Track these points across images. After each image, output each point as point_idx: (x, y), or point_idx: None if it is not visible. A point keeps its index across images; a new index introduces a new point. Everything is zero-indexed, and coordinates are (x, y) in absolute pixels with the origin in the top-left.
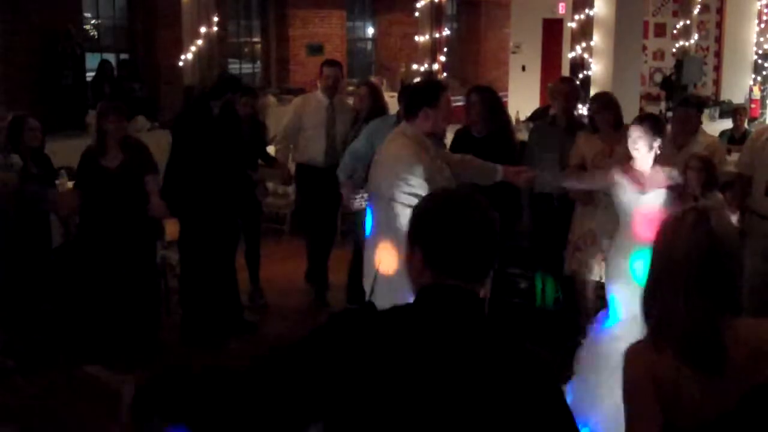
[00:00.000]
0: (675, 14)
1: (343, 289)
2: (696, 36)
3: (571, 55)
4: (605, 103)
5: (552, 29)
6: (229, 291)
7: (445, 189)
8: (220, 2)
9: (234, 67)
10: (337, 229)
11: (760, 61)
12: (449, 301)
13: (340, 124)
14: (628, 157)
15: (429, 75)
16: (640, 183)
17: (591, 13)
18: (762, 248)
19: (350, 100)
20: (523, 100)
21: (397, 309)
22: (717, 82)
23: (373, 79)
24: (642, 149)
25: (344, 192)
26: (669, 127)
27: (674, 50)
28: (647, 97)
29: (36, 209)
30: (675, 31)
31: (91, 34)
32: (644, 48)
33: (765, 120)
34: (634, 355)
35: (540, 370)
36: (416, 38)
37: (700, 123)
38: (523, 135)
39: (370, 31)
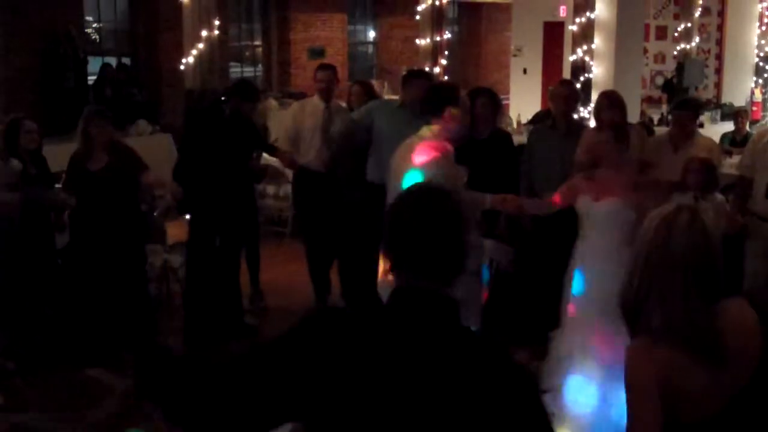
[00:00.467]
0: (676, 17)
1: None
2: (697, 39)
3: (572, 58)
4: (613, 101)
5: (553, 32)
6: (232, 294)
7: (410, 188)
8: (221, 6)
9: (235, 70)
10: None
11: (761, 64)
12: (416, 304)
13: (337, 126)
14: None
15: (430, 78)
16: (594, 191)
17: (592, 16)
18: (763, 250)
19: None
20: (524, 103)
21: (367, 311)
22: (718, 85)
23: (375, 82)
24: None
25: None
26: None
27: (675, 53)
28: (648, 100)
29: (40, 212)
30: (676, 34)
31: (93, 37)
32: (645, 51)
33: (766, 122)
34: (635, 353)
35: (513, 372)
36: (417, 41)
37: (697, 125)
38: (523, 138)
39: (372, 34)
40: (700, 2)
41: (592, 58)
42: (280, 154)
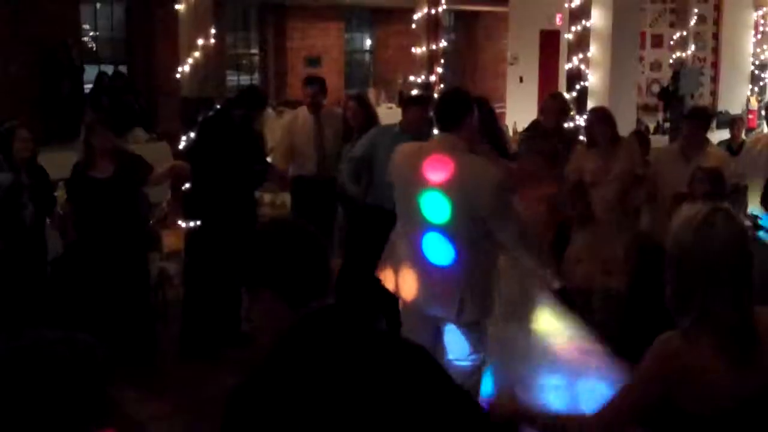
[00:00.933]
0: (672, 25)
1: None
2: (693, 47)
3: (568, 66)
4: (602, 118)
5: (549, 41)
6: (231, 302)
7: (265, 225)
8: (217, 14)
9: (232, 79)
10: (333, 239)
11: (757, 72)
12: (329, 324)
13: (328, 134)
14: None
15: (426, 87)
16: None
17: (588, 24)
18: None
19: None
20: (520, 111)
21: (279, 356)
22: (714, 93)
23: (371, 91)
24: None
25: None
26: (667, 137)
27: (671, 61)
28: (645, 108)
29: (32, 225)
30: (672, 42)
31: (89, 45)
32: (641, 59)
33: (762, 130)
34: (663, 344)
35: (416, 354)
36: (413, 50)
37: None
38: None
39: (368, 43)
40: (696, 11)
41: (587, 67)
42: (273, 174)
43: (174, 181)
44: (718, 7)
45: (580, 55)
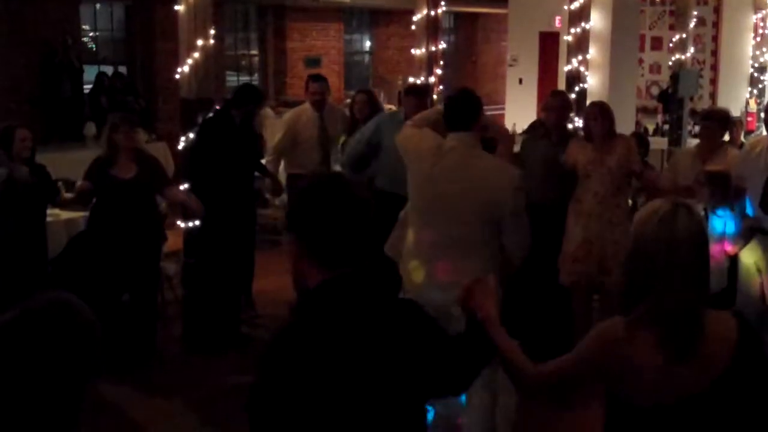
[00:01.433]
0: (671, 27)
1: None
2: (692, 49)
3: (567, 68)
4: (600, 111)
5: (549, 42)
6: (231, 303)
7: (320, 178)
8: (217, 15)
9: (232, 79)
10: None
11: (756, 74)
12: (352, 288)
13: (332, 133)
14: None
15: (426, 87)
16: None
17: (587, 26)
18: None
19: (346, 110)
20: (520, 113)
21: (311, 312)
22: (713, 95)
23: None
24: None
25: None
26: (666, 139)
27: (670, 63)
28: (644, 110)
29: (33, 219)
30: (671, 45)
31: (89, 46)
32: (641, 61)
33: (761, 132)
34: (604, 331)
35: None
36: (413, 51)
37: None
38: (517, 147)
39: (368, 44)
40: (696, 13)
41: (587, 69)
42: (270, 179)
43: (185, 210)
44: (717, 10)
45: (580, 57)
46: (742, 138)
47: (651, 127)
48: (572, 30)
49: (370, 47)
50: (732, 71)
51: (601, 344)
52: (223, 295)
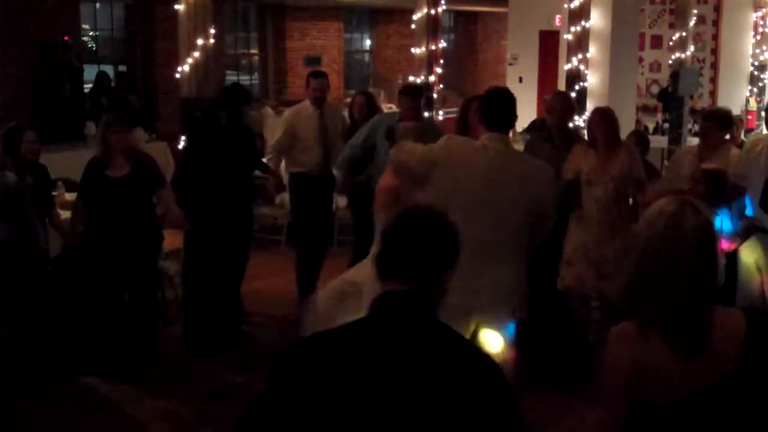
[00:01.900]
0: (671, 26)
1: None
2: (692, 48)
3: (567, 66)
4: (605, 118)
5: (549, 41)
6: (232, 302)
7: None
8: (217, 14)
9: (232, 78)
10: (330, 239)
11: (756, 73)
12: (397, 306)
13: (332, 131)
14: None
15: (420, 87)
16: None
17: (587, 25)
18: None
19: (345, 111)
20: (520, 111)
21: (352, 324)
22: (713, 94)
23: (371, 90)
24: None
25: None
26: (666, 137)
27: (670, 62)
28: (644, 109)
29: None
30: (671, 43)
31: (89, 45)
32: (641, 60)
33: (761, 131)
34: (618, 338)
35: (486, 367)
36: (413, 50)
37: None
38: (519, 146)
39: (368, 42)
40: (695, 11)
41: (587, 67)
42: (270, 174)
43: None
44: (717, 8)
45: (580, 56)
46: (742, 136)
47: (651, 126)
48: (572, 28)
49: (370, 46)
50: (732, 69)
51: (620, 348)
52: (223, 294)
